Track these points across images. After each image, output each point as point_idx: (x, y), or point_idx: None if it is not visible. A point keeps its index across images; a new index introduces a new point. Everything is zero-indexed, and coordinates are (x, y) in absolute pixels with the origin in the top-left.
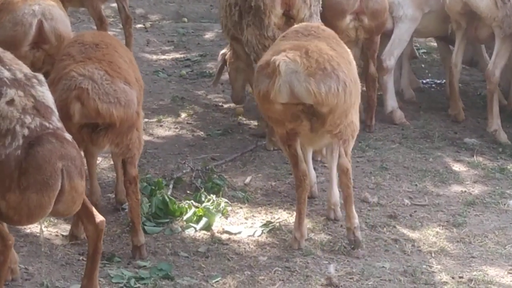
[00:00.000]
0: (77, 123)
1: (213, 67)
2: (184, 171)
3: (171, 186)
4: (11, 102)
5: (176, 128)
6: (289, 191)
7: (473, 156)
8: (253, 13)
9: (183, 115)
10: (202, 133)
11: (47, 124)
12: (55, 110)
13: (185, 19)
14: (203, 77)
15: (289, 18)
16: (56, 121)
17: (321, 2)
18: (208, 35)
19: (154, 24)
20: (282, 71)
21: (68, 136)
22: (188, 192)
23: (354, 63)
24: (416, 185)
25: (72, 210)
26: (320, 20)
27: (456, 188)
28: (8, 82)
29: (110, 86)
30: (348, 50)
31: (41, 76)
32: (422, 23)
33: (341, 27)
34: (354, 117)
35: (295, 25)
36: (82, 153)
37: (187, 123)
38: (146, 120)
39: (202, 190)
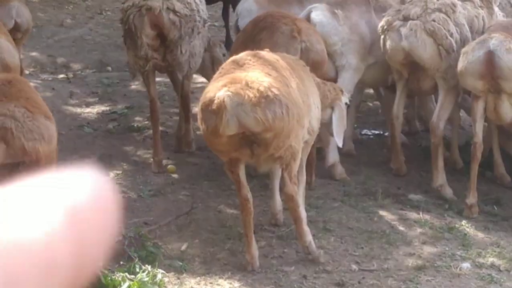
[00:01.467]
0: (1, 164)
1: (141, 120)
2: (116, 239)
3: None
4: None
5: None
6: (229, 258)
7: (419, 214)
8: (129, 35)
9: (111, 174)
10: (132, 194)
11: None
12: None
13: (109, 68)
14: (131, 132)
15: (164, 39)
16: None
17: (202, 23)
18: (134, 86)
19: (76, 74)
20: (228, 105)
21: None
22: (121, 262)
23: (293, 81)
24: (362, 248)
25: None
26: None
27: (405, 250)
28: None
29: (33, 123)
30: (290, 65)
31: None
32: (368, 73)
33: None
34: (294, 141)
35: (233, 57)
36: None
37: (117, 183)
38: None
39: (136, 260)
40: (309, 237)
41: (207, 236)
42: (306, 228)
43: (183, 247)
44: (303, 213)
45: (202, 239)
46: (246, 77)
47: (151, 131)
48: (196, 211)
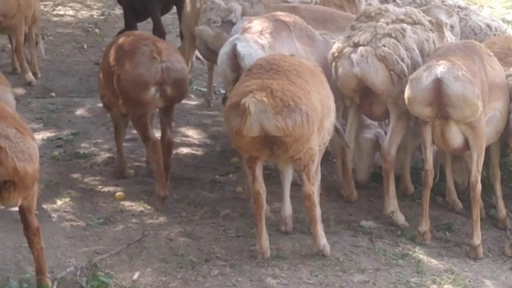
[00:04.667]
0: None
1: (87, 146)
2: (68, 269)
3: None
4: None
5: (53, 217)
6: (182, 286)
7: (371, 240)
8: None
9: (59, 202)
10: (81, 222)
11: None
12: None
13: (53, 94)
14: (78, 158)
15: None
16: None
17: None
18: (80, 111)
19: (20, 100)
20: (252, 111)
21: None
22: None
23: (314, 85)
24: (316, 275)
25: None
26: None
27: (359, 278)
28: None
29: (24, 144)
30: (310, 70)
31: None
32: None
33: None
34: (313, 143)
35: (260, 58)
36: None
37: (64, 211)
38: None
39: None
40: (323, 240)
41: (159, 265)
42: (320, 231)
43: (135, 276)
44: (319, 214)
45: (154, 267)
46: (271, 85)
47: (97, 158)
48: (147, 239)
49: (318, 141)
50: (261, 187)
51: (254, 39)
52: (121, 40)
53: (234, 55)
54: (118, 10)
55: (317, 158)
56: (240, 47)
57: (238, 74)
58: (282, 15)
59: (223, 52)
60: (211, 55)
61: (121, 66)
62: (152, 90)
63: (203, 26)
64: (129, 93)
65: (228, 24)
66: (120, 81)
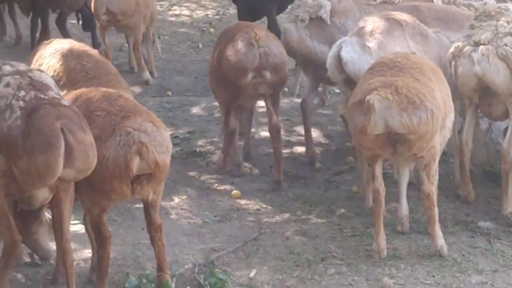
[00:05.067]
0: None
1: (203, 145)
2: (186, 266)
3: (173, 285)
4: (7, 85)
5: (170, 214)
6: (298, 285)
7: (489, 241)
8: None
9: (176, 200)
10: (198, 219)
11: (42, 96)
12: (55, 88)
13: (169, 93)
14: (194, 156)
15: None
16: (53, 94)
17: None
18: (196, 110)
19: (137, 99)
20: (376, 109)
21: (65, 102)
22: None
23: (437, 83)
24: (433, 276)
25: (90, 164)
26: None
27: (477, 279)
28: (8, 72)
29: (160, 137)
30: (432, 68)
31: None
32: None
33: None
34: (436, 141)
35: (383, 56)
36: None
37: (182, 209)
38: None
39: (208, 287)
40: (440, 240)
41: (275, 263)
42: (438, 231)
43: (252, 274)
44: (437, 213)
45: (270, 265)
46: (396, 82)
47: (213, 156)
48: (263, 237)
49: (440, 139)
50: (381, 185)
51: (360, 42)
52: (226, 29)
53: (340, 59)
54: (233, 10)
55: (438, 157)
56: (344, 53)
57: (346, 75)
58: (396, 14)
59: (331, 55)
60: (292, 55)
61: (222, 53)
62: (250, 76)
63: (289, 25)
64: (229, 79)
65: (316, 21)
66: (222, 68)
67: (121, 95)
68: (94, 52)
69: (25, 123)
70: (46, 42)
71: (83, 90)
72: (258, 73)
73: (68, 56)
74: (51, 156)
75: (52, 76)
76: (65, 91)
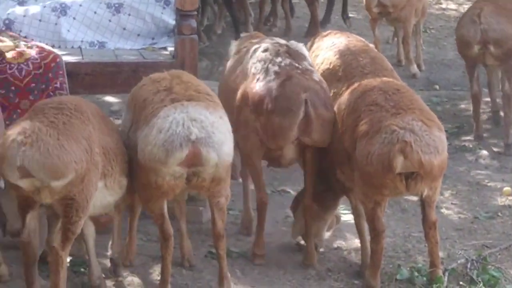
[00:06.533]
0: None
1: (472, 140)
2: (458, 261)
3: (446, 279)
4: (266, 50)
5: (441, 208)
6: None
7: None
8: None
9: (446, 194)
10: (469, 215)
11: (296, 64)
12: (309, 58)
13: (437, 86)
14: (463, 151)
15: None
16: (306, 65)
17: None
18: (464, 105)
19: None
20: None
21: (316, 76)
22: (460, 283)
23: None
24: None
25: (325, 139)
26: None
27: None
28: (267, 40)
29: (429, 137)
30: None
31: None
32: None
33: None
34: None
35: None
36: None
37: (452, 203)
38: None
39: (481, 284)
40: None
41: None
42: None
43: None
44: None
45: None
46: None
47: (483, 152)
48: None
49: None
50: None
51: None
52: None
53: None
54: None
55: None
56: None
57: None
58: None
59: None
60: None
61: None
62: (476, 48)
63: None
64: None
65: None
66: None
67: (400, 89)
68: (371, 47)
69: (277, 86)
70: (323, 34)
71: (364, 81)
72: (484, 46)
73: (345, 51)
74: (286, 121)
75: (328, 69)
76: (340, 85)
